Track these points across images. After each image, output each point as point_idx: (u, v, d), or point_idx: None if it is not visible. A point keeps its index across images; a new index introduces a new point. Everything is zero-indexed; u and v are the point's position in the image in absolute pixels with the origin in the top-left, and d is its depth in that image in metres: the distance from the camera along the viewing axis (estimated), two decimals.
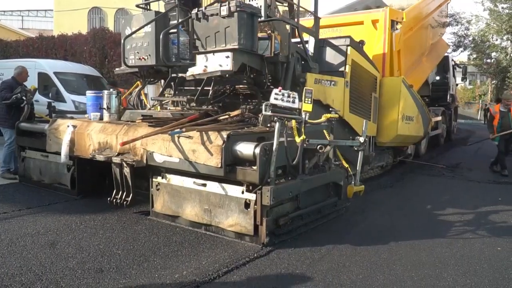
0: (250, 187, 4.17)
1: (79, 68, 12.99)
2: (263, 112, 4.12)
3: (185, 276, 3.50)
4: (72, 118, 6.22)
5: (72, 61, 14.89)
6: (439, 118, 12.88)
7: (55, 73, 11.50)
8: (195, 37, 5.26)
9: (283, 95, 4.06)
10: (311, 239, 4.47)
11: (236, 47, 4.75)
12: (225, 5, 4.75)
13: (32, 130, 6.69)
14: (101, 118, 5.87)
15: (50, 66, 11.93)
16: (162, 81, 6.53)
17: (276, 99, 4.04)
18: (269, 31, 5.61)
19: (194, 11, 5.14)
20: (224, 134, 4.24)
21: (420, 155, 11.06)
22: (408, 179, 8.32)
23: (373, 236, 4.66)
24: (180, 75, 5.89)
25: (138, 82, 6.74)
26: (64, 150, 5.48)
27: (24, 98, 6.84)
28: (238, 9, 4.69)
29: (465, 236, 4.79)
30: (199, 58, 5.10)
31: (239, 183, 4.26)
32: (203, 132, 4.35)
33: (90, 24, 26.86)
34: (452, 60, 15.04)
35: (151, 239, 4.36)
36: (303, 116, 4.20)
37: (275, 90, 4.10)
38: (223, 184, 4.36)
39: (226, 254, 3.99)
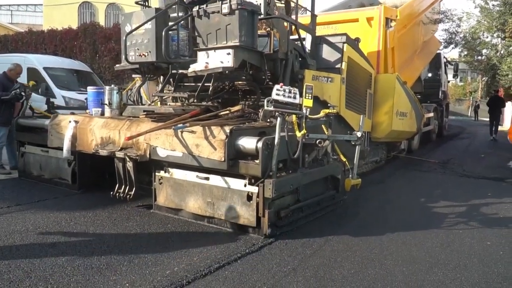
0: (252, 180, 4.29)
1: (70, 63, 12.76)
2: (265, 107, 4.23)
3: (176, 273, 3.49)
4: (73, 113, 6.28)
5: (62, 56, 14.68)
6: (431, 114, 13.11)
7: (44, 68, 11.25)
8: (196, 34, 5.35)
9: (284, 90, 4.18)
10: (303, 234, 4.49)
11: (238, 44, 4.86)
12: (227, 3, 4.85)
13: (31, 125, 6.74)
14: (102, 114, 5.95)
15: (40, 61, 11.57)
16: (162, 77, 6.63)
17: (278, 94, 4.15)
18: (268, 28, 5.72)
19: (195, 8, 5.23)
20: (227, 129, 4.35)
21: (413, 150, 11.29)
22: (399, 175, 8.42)
23: (365, 232, 4.70)
24: (180, 71, 6.00)
25: (138, 78, 6.83)
26: (67, 145, 5.54)
27: (23, 93, 6.89)
28: (239, 7, 4.80)
29: (455, 231, 4.85)
30: (200, 55, 5.20)
31: (242, 176, 4.38)
32: (206, 127, 4.46)
33: (81, 19, 26.61)
34: (444, 57, 15.28)
35: (142, 235, 4.36)
36: (304, 111, 4.33)
37: (277, 86, 4.21)
38: (226, 178, 4.48)
39: (218, 250, 3.99)
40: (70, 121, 5.68)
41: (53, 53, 16.60)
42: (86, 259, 3.72)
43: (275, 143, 4.14)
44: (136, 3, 6.58)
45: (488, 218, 5.45)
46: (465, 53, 16.53)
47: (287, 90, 4.18)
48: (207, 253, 3.92)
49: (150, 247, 4.05)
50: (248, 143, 4.31)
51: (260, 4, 5.36)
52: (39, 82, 10.72)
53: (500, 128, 15.82)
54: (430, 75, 14.12)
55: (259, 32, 5.70)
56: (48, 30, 18.61)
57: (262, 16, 5.34)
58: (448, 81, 16.96)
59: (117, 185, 5.19)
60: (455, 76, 17.33)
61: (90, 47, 16.96)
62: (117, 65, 6.33)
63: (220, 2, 4.95)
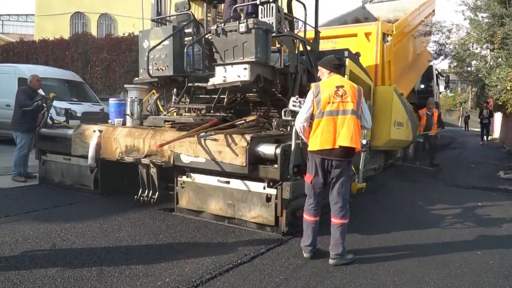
0: (271, 183, 4.74)
1: (61, 74, 12.83)
2: (283, 117, 4.69)
3: (167, 283, 3.49)
4: (96, 123, 6.68)
5: (53, 66, 14.65)
6: None
7: None
8: (214, 50, 5.81)
9: (300, 102, 4.63)
10: (295, 244, 4.52)
11: (254, 60, 5.32)
12: (244, 23, 5.32)
13: (53, 135, 7.14)
14: (124, 124, 6.36)
15: (31, 71, 10.90)
16: (175, 89, 7.07)
17: (294, 105, 4.61)
18: (279, 45, 6.20)
19: (214, 27, 5.71)
20: (248, 136, 4.81)
21: (408, 158, 11.79)
22: (391, 185, 8.51)
23: (356, 242, 4.74)
24: (196, 84, 6.44)
25: (154, 91, 7.27)
26: (91, 153, 5.93)
27: (44, 104, 7.29)
28: (255, 26, 5.27)
29: (446, 241, 4.88)
30: (218, 70, 5.64)
31: (261, 180, 4.81)
32: (228, 135, 4.90)
33: (73, 29, 26.22)
34: (436, 69, 15.88)
35: (133, 246, 4.35)
36: None
37: (293, 98, 4.68)
38: (246, 181, 4.91)
39: (210, 260, 4.01)
40: (94, 131, 6.09)
41: (45, 63, 16.62)
42: (76, 270, 3.69)
43: (292, 149, 4.59)
44: (153, 20, 7.04)
45: (479, 227, 5.51)
46: (455, 64, 17.08)
47: (302, 102, 4.63)
48: (198, 263, 3.94)
49: (141, 258, 4.05)
50: (267, 149, 4.77)
51: (272, 22, 5.84)
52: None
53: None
54: (422, 86, 14.68)
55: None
56: (39, 40, 18.64)
57: (274, 34, 5.81)
58: (440, 92, 17.58)
59: (141, 189, 5.60)
60: (446, 87, 17.96)
61: (82, 57, 17.01)
62: (136, 78, 6.74)
63: (238, 21, 5.43)
